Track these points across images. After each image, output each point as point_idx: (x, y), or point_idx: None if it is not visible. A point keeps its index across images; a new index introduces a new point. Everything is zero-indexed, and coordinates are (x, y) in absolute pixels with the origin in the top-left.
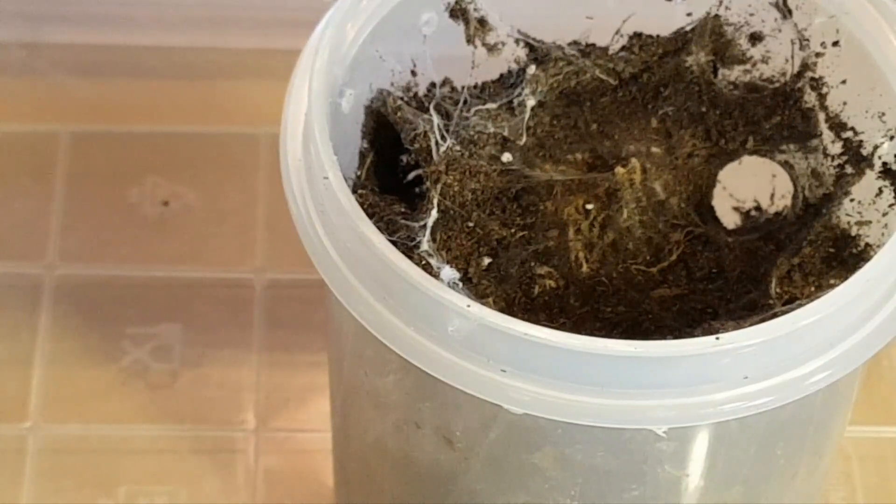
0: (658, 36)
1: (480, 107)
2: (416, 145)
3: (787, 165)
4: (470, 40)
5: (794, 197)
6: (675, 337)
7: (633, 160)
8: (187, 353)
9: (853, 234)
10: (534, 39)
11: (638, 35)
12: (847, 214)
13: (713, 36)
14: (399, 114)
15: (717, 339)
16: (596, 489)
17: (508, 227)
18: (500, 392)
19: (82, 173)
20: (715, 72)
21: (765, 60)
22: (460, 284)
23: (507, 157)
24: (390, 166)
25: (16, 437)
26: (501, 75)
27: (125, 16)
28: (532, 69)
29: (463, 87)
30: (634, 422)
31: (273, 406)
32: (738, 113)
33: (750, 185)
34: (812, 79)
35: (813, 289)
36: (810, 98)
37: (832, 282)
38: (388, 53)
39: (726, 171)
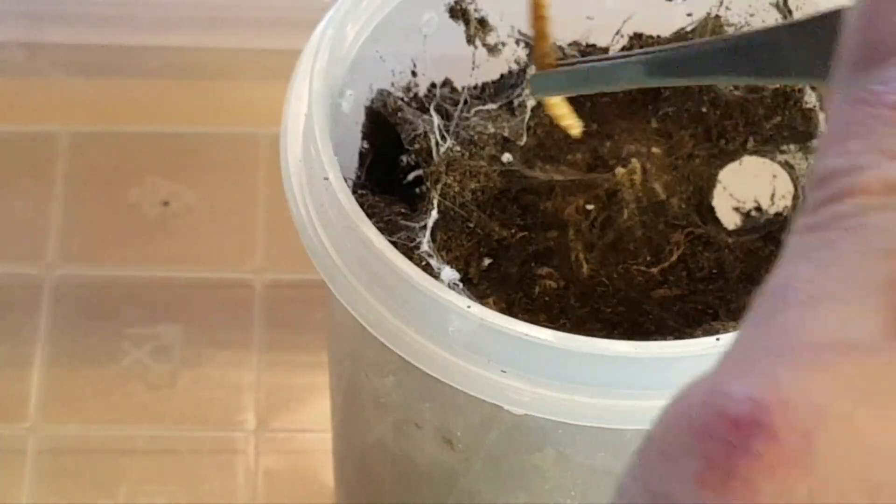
0: (658, 36)
1: (481, 107)
2: (417, 146)
3: (787, 166)
4: (470, 40)
5: (795, 197)
6: (676, 337)
7: (634, 160)
8: (187, 353)
9: None
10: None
11: (638, 35)
12: None
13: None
14: (399, 114)
15: (718, 339)
16: (596, 490)
17: (508, 228)
18: (501, 392)
19: (82, 173)
20: None
21: None
22: (460, 285)
23: (507, 157)
24: (390, 166)
25: (16, 437)
26: (502, 76)
27: (125, 16)
28: (532, 69)
29: (463, 88)
30: (635, 422)
31: (273, 406)
32: (738, 113)
33: (750, 185)
34: None
35: None
36: (811, 98)
37: None
38: (389, 54)
39: (726, 171)
